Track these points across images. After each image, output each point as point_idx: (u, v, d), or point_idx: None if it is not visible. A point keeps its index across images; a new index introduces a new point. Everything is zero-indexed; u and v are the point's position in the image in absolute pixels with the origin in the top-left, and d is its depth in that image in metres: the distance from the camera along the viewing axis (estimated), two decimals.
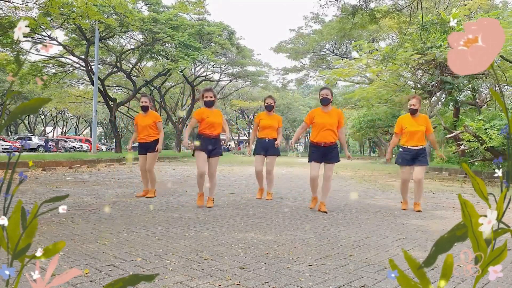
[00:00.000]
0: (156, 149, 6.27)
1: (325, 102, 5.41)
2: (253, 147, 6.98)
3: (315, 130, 5.41)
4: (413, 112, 5.66)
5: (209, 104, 5.52)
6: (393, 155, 6.22)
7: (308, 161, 5.48)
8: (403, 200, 5.90)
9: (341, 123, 5.47)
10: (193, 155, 5.52)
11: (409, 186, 5.96)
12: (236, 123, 58.05)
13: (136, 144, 6.60)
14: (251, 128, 61.24)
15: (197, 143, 5.45)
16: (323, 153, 5.35)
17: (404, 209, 5.71)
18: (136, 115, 6.75)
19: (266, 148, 6.40)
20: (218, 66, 34.36)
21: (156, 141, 6.32)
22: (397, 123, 5.84)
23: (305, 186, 6.09)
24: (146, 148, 6.32)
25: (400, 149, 5.77)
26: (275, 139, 6.46)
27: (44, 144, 30.18)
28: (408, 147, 5.61)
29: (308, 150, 6.08)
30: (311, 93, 50.01)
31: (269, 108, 6.51)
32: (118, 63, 25.88)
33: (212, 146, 5.45)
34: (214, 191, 5.64)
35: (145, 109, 6.36)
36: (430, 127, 5.72)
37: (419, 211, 5.56)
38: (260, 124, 6.49)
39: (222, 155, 5.59)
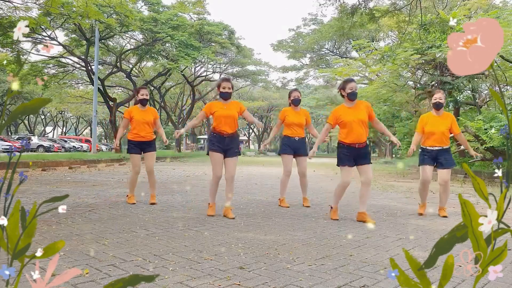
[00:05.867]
0: (165, 141, 5.79)
1: (353, 96, 4.62)
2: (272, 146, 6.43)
3: (345, 130, 4.66)
4: (439, 106, 5.12)
5: (225, 96, 4.78)
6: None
7: (339, 165, 4.75)
8: (421, 203, 5.36)
9: (372, 115, 4.71)
10: (207, 154, 4.93)
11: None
12: None
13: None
14: (251, 128, 61.54)
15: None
16: (356, 155, 4.64)
17: (421, 214, 5.24)
18: (130, 108, 5.74)
19: (296, 148, 5.70)
20: (218, 66, 34.39)
21: (154, 140, 5.71)
22: (419, 121, 5.30)
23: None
24: (142, 147, 5.58)
25: (420, 149, 5.29)
26: (304, 138, 5.83)
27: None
28: (427, 147, 5.13)
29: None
30: (311, 93, 50.05)
31: (296, 102, 5.75)
32: (118, 63, 25.89)
33: (227, 146, 4.73)
34: (231, 197, 4.86)
35: (144, 102, 5.59)
36: (456, 127, 5.16)
37: (444, 216, 5.07)
38: (287, 121, 5.72)
39: (240, 154, 4.88)
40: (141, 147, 5.59)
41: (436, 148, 5.09)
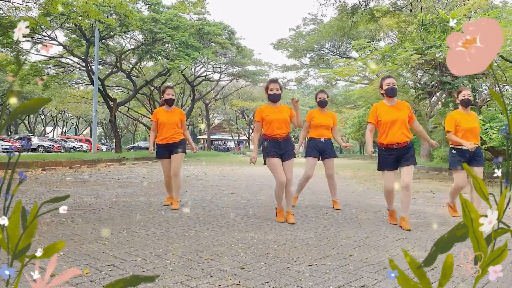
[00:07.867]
0: (194, 149, 5.56)
1: (391, 92, 4.40)
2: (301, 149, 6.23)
3: (383, 129, 4.42)
4: (468, 103, 4.91)
5: (274, 98, 4.60)
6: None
7: (379, 169, 4.54)
8: (452, 204, 5.22)
9: (412, 117, 4.47)
10: (264, 163, 4.64)
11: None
12: (236, 123, 58.12)
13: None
14: (251, 128, 61.57)
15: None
16: (397, 156, 4.39)
17: (456, 216, 5.11)
18: (156, 109, 5.58)
19: (323, 150, 5.61)
20: (218, 66, 34.38)
21: (183, 140, 5.44)
22: (448, 120, 4.97)
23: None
24: (170, 149, 5.38)
25: (453, 151, 4.97)
26: (330, 140, 5.69)
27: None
28: (463, 147, 4.85)
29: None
30: (311, 93, 50.07)
31: (323, 104, 5.71)
32: (118, 63, 25.88)
33: (283, 150, 4.56)
34: (291, 202, 4.70)
35: (170, 102, 5.39)
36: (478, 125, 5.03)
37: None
38: (313, 123, 5.65)
39: (295, 156, 4.70)
40: (169, 149, 5.39)
41: (475, 147, 4.87)
